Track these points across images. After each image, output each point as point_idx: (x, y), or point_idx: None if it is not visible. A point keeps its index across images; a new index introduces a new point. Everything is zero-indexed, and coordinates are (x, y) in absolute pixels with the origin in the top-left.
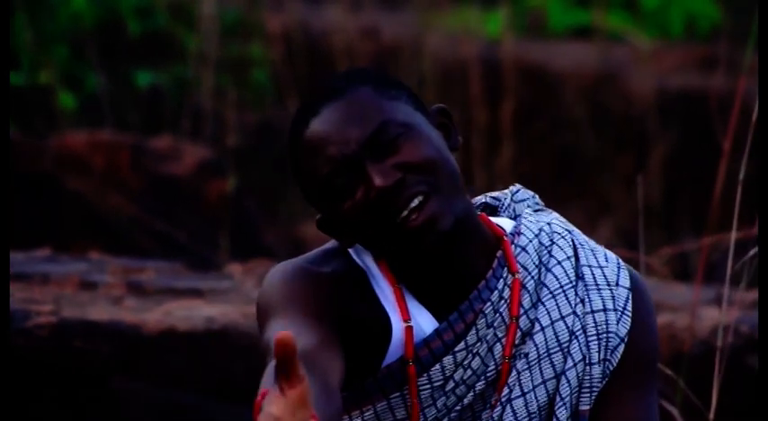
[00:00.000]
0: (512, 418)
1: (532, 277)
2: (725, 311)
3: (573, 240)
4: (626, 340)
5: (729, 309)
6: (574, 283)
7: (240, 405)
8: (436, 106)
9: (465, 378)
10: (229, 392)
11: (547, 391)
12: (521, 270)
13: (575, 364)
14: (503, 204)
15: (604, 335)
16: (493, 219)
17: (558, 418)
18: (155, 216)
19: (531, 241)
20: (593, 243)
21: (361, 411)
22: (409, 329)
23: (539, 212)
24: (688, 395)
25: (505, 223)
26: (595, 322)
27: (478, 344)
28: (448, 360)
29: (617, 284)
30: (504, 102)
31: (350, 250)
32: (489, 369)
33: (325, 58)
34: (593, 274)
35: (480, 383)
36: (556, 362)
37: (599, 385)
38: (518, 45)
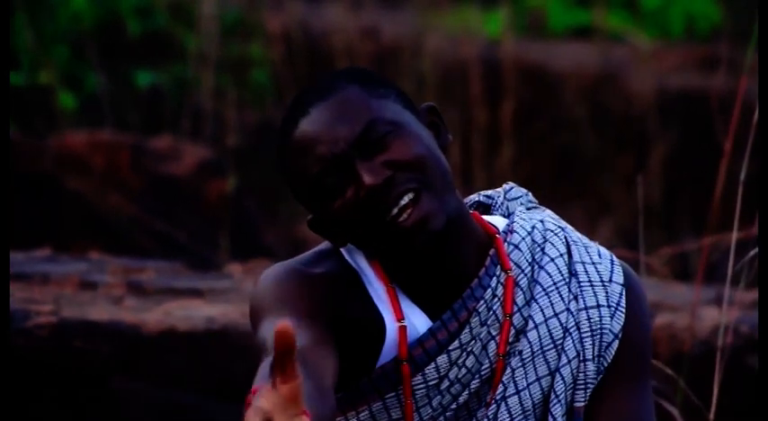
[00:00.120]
0: (507, 416)
1: (525, 275)
2: (725, 311)
3: (566, 237)
4: (620, 336)
5: (729, 309)
6: (567, 280)
7: (240, 405)
8: (425, 105)
9: (460, 376)
10: (229, 392)
11: (541, 388)
12: (514, 268)
13: (569, 361)
14: (496, 202)
15: (598, 331)
16: (486, 217)
17: (552, 415)
18: (155, 216)
19: (523, 239)
20: (586, 240)
21: (356, 411)
22: (403, 329)
23: (532, 210)
24: (688, 395)
25: (498, 221)
26: (589, 319)
27: (472, 342)
28: (442, 359)
29: (610, 281)
30: (504, 102)
31: (342, 251)
32: (484, 367)
33: (326, 58)
34: (586, 271)
35: (475, 381)
36: (550, 360)
37: (593, 382)
38: (518, 45)
